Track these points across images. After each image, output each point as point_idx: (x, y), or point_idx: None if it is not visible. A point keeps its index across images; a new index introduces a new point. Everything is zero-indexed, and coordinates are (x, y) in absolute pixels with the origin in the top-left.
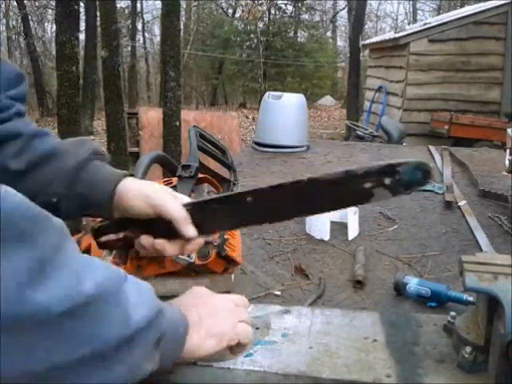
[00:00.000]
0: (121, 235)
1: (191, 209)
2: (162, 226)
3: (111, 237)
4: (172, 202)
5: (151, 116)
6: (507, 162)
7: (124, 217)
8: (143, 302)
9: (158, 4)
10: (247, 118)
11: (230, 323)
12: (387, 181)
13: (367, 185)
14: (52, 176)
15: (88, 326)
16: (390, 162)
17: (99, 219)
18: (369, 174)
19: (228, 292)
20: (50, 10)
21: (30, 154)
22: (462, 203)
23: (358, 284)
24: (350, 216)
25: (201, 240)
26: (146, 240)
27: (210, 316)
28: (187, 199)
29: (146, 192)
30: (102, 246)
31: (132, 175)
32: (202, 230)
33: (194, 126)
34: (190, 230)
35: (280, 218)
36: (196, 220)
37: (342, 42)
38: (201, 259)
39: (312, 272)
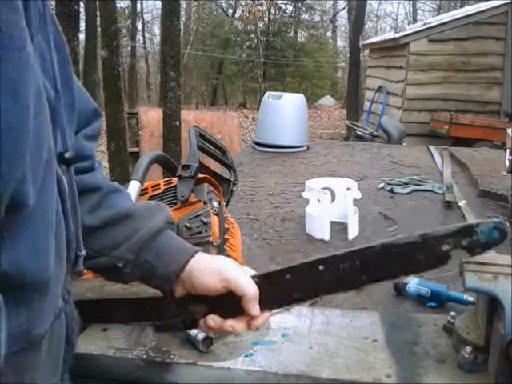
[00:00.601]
0: (183, 316)
1: (259, 281)
2: (230, 303)
3: (173, 319)
4: (245, 277)
5: (151, 116)
6: (507, 162)
7: (188, 294)
8: None
9: (158, 4)
10: (247, 118)
11: None
12: (465, 242)
13: (445, 247)
14: (122, 239)
15: None
16: (468, 223)
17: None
18: (447, 236)
19: None
20: None
21: (106, 211)
22: (461, 203)
23: None
24: (350, 216)
25: (268, 314)
26: (213, 321)
27: None
28: (251, 272)
29: (218, 266)
30: (160, 328)
31: (200, 250)
32: (269, 303)
33: (194, 126)
34: (255, 309)
35: (353, 285)
36: (265, 293)
37: (341, 42)
38: None
39: None
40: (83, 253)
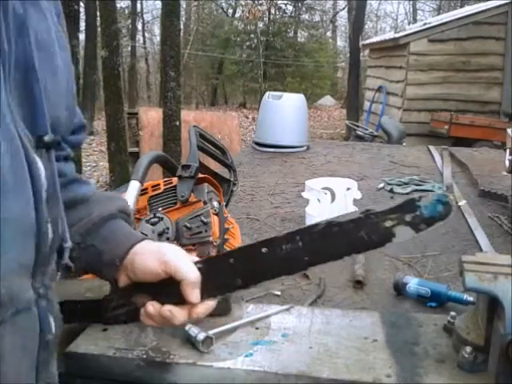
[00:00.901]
0: (126, 308)
1: (202, 268)
2: (170, 289)
3: (117, 311)
4: (186, 261)
5: (151, 116)
6: (507, 162)
7: (131, 283)
8: None
9: (158, 4)
10: (247, 118)
11: None
12: (408, 217)
13: (388, 223)
14: (73, 222)
15: None
16: (410, 198)
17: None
18: (389, 212)
19: None
20: None
21: (63, 195)
22: (462, 203)
23: (358, 284)
24: None
25: (212, 303)
26: (152, 307)
27: None
28: (197, 259)
29: (160, 250)
30: (106, 321)
31: (149, 239)
32: (212, 290)
33: (194, 126)
34: (194, 295)
35: (298, 267)
36: (208, 280)
37: (341, 42)
38: None
39: (312, 272)
40: (68, 244)
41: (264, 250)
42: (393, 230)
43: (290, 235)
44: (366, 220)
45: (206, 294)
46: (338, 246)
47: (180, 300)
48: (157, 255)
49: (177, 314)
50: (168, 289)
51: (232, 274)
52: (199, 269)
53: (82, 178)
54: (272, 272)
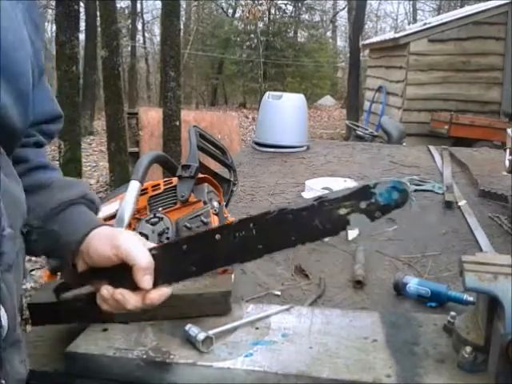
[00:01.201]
0: (84, 291)
1: (156, 254)
2: (124, 275)
3: (74, 293)
4: (139, 246)
5: (151, 116)
6: (507, 162)
7: (88, 269)
8: None
9: (158, 4)
10: (247, 118)
11: None
12: (363, 205)
13: (342, 211)
14: (34, 206)
15: None
16: (365, 184)
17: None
18: (343, 199)
19: (228, 292)
20: (50, 10)
21: (25, 180)
22: (461, 203)
23: (358, 284)
24: None
25: (167, 290)
26: (106, 290)
27: None
28: (152, 245)
29: (114, 234)
30: (63, 305)
31: (109, 225)
32: (167, 277)
33: (194, 126)
34: (145, 281)
35: (251, 255)
36: (162, 266)
37: (341, 42)
38: None
39: (312, 272)
40: (6, 232)
41: (217, 236)
42: (347, 218)
43: (244, 222)
44: (320, 208)
45: (160, 281)
46: (291, 234)
47: (133, 285)
48: (110, 240)
49: (129, 298)
50: (122, 274)
51: (186, 260)
52: (153, 255)
53: (50, 164)
54: (226, 259)
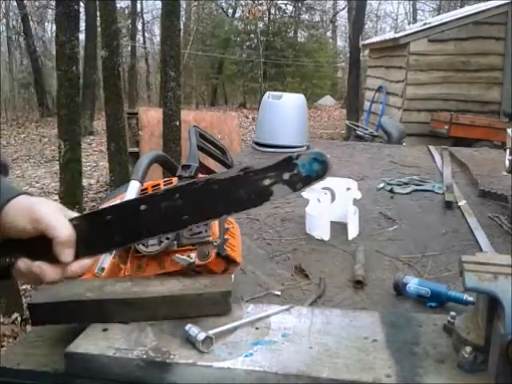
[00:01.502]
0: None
1: (77, 224)
2: (43, 247)
3: None
4: (59, 218)
5: (151, 116)
6: (507, 162)
7: (6, 240)
8: None
9: (158, 4)
10: (247, 118)
11: None
12: (286, 176)
13: (266, 182)
14: None
15: None
16: (288, 155)
17: None
18: (268, 170)
19: (228, 292)
20: (50, 10)
21: None
22: (461, 203)
23: (358, 284)
24: (350, 216)
25: (88, 261)
26: (23, 263)
27: None
28: (73, 215)
29: (33, 205)
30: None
31: (28, 194)
32: (89, 248)
33: (194, 126)
34: (66, 254)
35: (177, 225)
36: (84, 237)
37: (341, 42)
38: (201, 259)
39: (312, 272)
40: None
41: (143, 207)
42: (271, 189)
43: (169, 192)
44: (245, 178)
45: (82, 252)
46: (217, 205)
47: (53, 258)
48: (28, 212)
49: (48, 271)
50: (40, 246)
51: (109, 231)
52: (74, 226)
53: None
54: (151, 229)
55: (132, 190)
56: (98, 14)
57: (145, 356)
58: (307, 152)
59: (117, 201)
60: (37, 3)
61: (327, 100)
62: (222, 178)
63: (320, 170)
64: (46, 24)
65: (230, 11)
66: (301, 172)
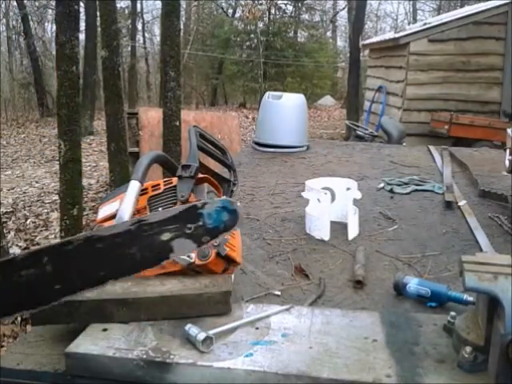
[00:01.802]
0: None
1: None
2: None
3: None
4: None
5: (151, 116)
6: (507, 162)
7: None
8: None
9: (158, 4)
10: (247, 118)
11: None
12: (189, 228)
13: (165, 236)
14: None
15: None
16: (191, 204)
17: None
18: (166, 222)
19: (228, 292)
20: (50, 10)
21: None
22: (461, 203)
23: (358, 284)
24: (350, 216)
25: None
26: None
27: None
28: None
29: None
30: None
31: None
32: None
33: (194, 126)
34: None
35: (44, 299)
36: None
37: (341, 42)
38: (201, 259)
39: (312, 272)
40: None
41: None
42: (170, 245)
43: (34, 256)
44: (138, 233)
45: None
46: (101, 268)
47: None
48: None
49: None
50: None
51: None
52: None
53: None
54: (7, 307)
55: (132, 190)
56: (98, 13)
57: (145, 356)
58: (214, 200)
59: (117, 201)
60: (37, 3)
61: (327, 100)
62: (108, 233)
63: (229, 220)
64: (46, 24)
65: (230, 11)
66: (207, 223)
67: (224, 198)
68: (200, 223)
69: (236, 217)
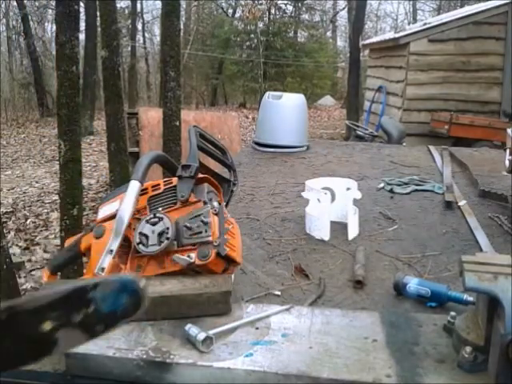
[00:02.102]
0: None
1: None
2: None
3: None
4: None
5: (151, 116)
6: (507, 162)
7: None
8: None
9: (158, 4)
10: (247, 118)
11: None
12: (77, 316)
13: (46, 326)
14: None
15: None
16: (81, 285)
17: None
18: (48, 309)
19: (228, 292)
20: (50, 10)
21: None
22: (461, 203)
23: (358, 284)
24: (350, 216)
25: None
26: None
27: None
28: None
29: None
30: None
31: None
32: None
33: (194, 126)
34: None
35: None
36: None
37: (341, 42)
38: (201, 259)
39: (312, 272)
40: None
41: None
42: (54, 336)
43: None
44: (11, 322)
45: None
46: None
47: None
48: None
49: None
50: None
51: None
52: None
53: None
54: None
55: (132, 190)
56: (98, 13)
57: (145, 356)
58: (111, 279)
59: (117, 201)
60: (37, 3)
61: (327, 100)
62: None
63: (130, 303)
64: (46, 24)
65: (230, 11)
66: (100, 309)
67: (125, 274)
68: (91, 309)
69: (139, 298)
